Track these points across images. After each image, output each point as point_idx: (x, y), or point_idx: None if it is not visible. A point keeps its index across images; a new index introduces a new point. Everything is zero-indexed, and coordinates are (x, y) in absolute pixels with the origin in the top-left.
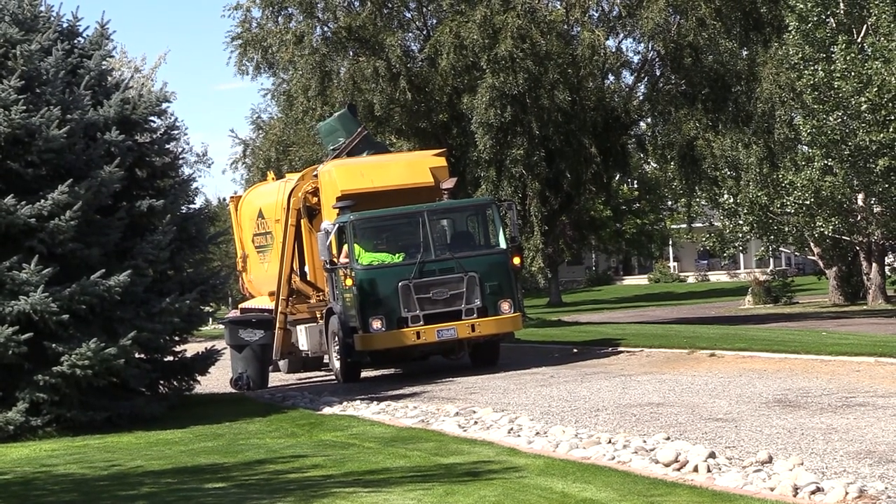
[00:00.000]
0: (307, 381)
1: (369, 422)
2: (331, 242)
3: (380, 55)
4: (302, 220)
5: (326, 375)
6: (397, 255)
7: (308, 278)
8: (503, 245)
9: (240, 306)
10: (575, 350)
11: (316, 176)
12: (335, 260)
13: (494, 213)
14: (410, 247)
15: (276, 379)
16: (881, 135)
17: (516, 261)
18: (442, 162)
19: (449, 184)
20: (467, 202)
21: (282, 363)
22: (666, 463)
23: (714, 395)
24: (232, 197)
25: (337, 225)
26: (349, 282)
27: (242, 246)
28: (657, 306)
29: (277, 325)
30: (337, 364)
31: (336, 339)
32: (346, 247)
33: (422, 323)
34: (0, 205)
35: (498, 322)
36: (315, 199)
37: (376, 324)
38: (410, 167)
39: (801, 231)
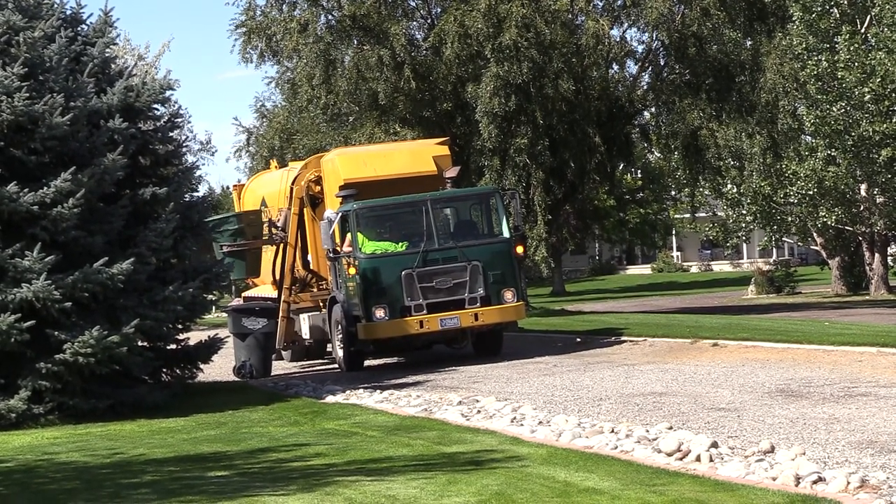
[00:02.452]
0: (310, 369)
1: (372, 410)
2: (334, 231)
3: (384, 44)
4: (305, 209)
5: (329, 364)
6: (400, 243)
7: (311, 267)
8: (506, 234)
9: (243, 295)
10: (578, 339)
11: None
12: (338, 249)
13: (498, 202)
14: (414, 235)
15: (280, 367)
16: (884, 125)
17: (519, 250)
18: (445, 151)
19: (452, 172)
20: (471, 191)
21: (285, 352)
22: (668, 452)
23: (717, 385)
24: (235, 185)
25: (340, 213)
26: (352, 270)
27: None
28: (660, 296)
29: (280, 313)
30: (340, 353)
31: (339, 327)
32: (349, 235)
33: (425, 312)
34: (3, 192)
35: (501, 311)
36: (318, 188)
37: (379, 312)
38: (413, 156)
39: (804, 221)
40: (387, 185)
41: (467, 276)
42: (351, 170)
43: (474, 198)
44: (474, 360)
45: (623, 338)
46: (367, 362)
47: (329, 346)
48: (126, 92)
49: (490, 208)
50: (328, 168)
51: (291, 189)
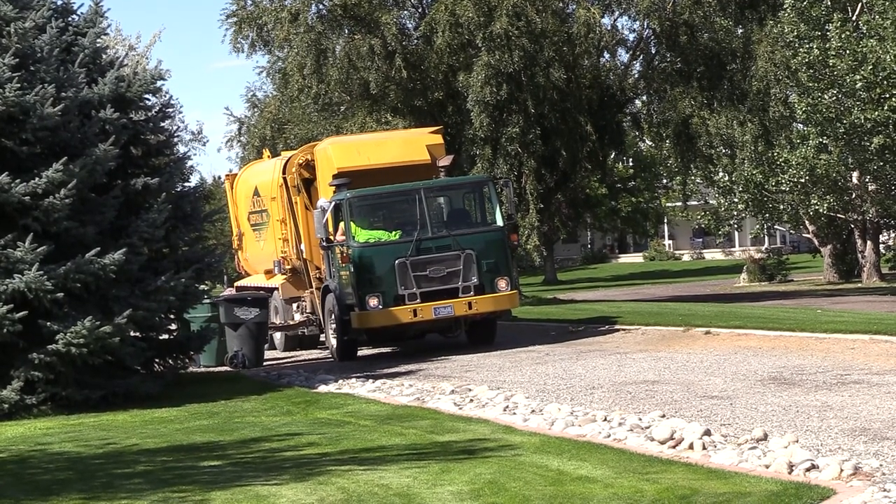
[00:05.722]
0: (303, 359)
1: (365, 400)
2: (327, 220)
3: (375, 33)
4: (300, 196)
5: (321, 353)
6: (394, 232)
7: (304, 256)
8: (500, 222)
9: (235, 284)
10: (570, 328)
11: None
12: (331, 237)
13: (491, 191)
14: (407, 224)
15: (272, 357)
16: (876, 113)
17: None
18: (438, 139)
19: (445, 161)
20: (464, 179)
21: (277, 341)
22: (661, 440)
23: (709, 373)
24: (227, 175)
25: (333, 202)
26: (345, 259)
27: (238, 224)
28: (652, 284)
29: (314, 285)
30: (333, 342)
31: (332, 316)
32: (342, 224)
33: (418, 301)
34: None
35: (495, 300)
36: (307, 173)
37: (373, 301)
38: (407, 145)
39: (795, 209)
40: (380, 174)
41: (461, 265)
42: (344, 158)
43: (467, 186)
44: (466, 348)
45: (615, 326)
46: (360, 351)
47: (322, 335)
48: (117, 82)
49: (483, 197)
50: (321, 156)
51: (284, 179)
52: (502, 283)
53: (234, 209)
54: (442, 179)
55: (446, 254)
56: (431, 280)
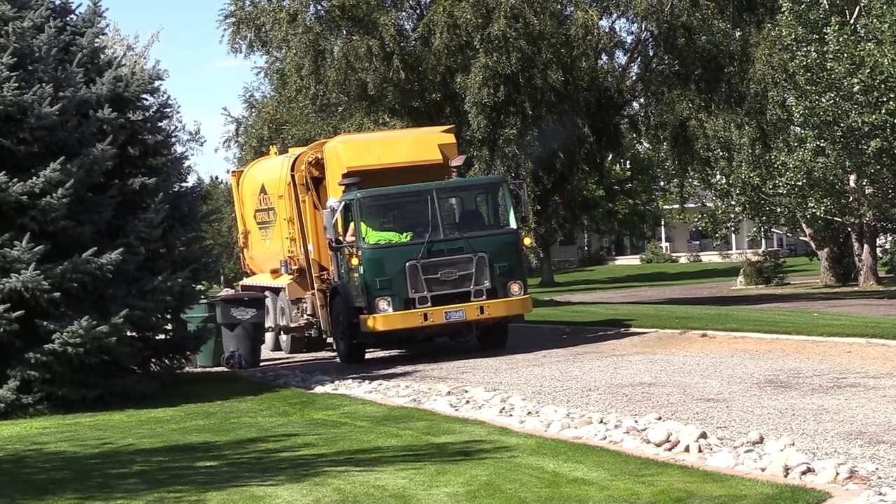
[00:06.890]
0: (299, 360)
1: (361, 401)
2: (336, 220)
3: (373, 34)
4: (308, 195)
5: (322, 355)
6: (405, 234)
7: (312, 256)
8: (513, 225)
9: (240, 283)
10: (567, 330)
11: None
12: (341, 238)
13: (505, 192)
14: (418, 226)
15: (269, 357)
16: (873, 116)
17: (527, 241)
18: (451, 139)
19: (458, 161)
20: (478, 180)
21: (283, 342)
22: (657, 443)
23: (705, 376)
24: (233, 171)
25: (343, 202)
26: (355, 261)
27: (244, 222)
28: (649, 286)
29: (316, 287)
30: (341, 345)
31: (340, 319)
32: (352, 225)
33: (429, 304)
34: None
35: (507, 304)
36: (316, 172)
37: (383, 304)
38: (419, 144)
39: (793, 212)
40: (391, 174)
41: (473, 268)
42: (354, 157)
43: (481, 187)
44: (463, 350)
45: (612, 328)
46: (368, 354)
47: (330, 337)
48: (115, 82)
49: (497, 198)
50: (331, 155)
51: (292, 177)
52: (515, 287)
53: (240, 206)
54: (455, 180)
55: (458, 256)
56: (443, 283)
